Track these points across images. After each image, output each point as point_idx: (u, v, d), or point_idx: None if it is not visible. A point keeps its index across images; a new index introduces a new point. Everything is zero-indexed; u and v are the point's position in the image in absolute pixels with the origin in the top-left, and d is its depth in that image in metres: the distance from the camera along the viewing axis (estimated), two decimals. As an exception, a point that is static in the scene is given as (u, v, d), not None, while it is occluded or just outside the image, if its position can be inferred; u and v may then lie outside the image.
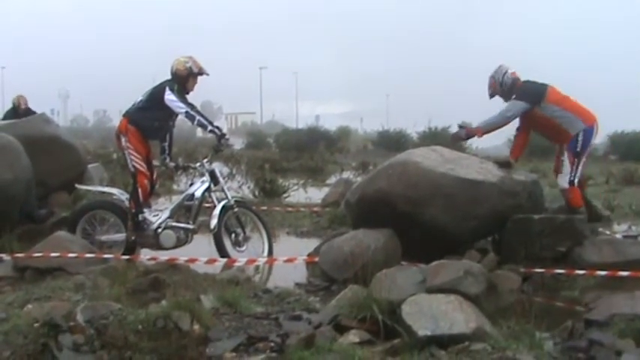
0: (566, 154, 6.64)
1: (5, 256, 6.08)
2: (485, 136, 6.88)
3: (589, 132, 6.66)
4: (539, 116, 6.67)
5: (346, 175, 18.99)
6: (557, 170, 6.79)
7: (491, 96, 6.99)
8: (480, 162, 6.78)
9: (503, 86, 6.84)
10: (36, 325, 3.45)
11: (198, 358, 3.48)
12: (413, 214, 6.09)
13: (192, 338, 3.54)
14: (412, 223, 6.05)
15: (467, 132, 6.87)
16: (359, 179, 12.48)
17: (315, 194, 13.27)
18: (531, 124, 6.90)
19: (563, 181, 6.65)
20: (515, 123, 6.93)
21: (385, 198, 6.19)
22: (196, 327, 3.60)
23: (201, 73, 6.93)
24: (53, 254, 5.79)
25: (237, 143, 32.84)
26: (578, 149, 6.62)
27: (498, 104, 6.96)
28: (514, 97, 6.71)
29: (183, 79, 6.82)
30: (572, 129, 6.62)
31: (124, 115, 6.94)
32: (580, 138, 6.61)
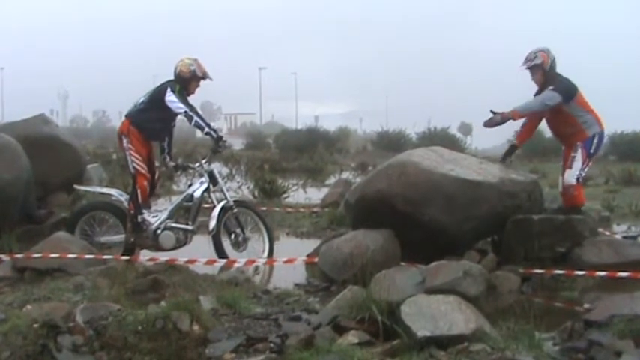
0: (579, 151, 6.68)
1: (5, 257, 6.08)
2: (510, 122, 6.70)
3: (602, 135, 6.85)
4: (564, 111, 6.68)
5: (345, 175, 19.01)
6: (567, 167, 6.78)
7: (532, 66, 6.73)
8: (480, 162, 6.78)
9: (551, 67, 6.72)
10: (35, 325, 3.45)
11: (198, 359, 3.48)
12: (412, 214, 6.08)
13: (192, 339, 3.54)
14: (411, 224, 6.05)
15: (502, 116, 6.61)
16: (358, 180, 12.50)
17: (315, 195, 13.30)
18: (551, 117, 6.88)
19: (571, 177, 6.67)
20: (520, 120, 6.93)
21: (385, 198, 6.19)
22: (196, 328, 3.59)
23: (204, 77, 6.93)
24: (53, 255, 5.79)
25: (237, 144, 32.82)
26: (592, 150, 6.73)
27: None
28: (552, 87, 6.57)
29: (186, 82, 6.83)
30: (589, 130, 6.72)
31: (126, 117, 6.94)
32: (596, 140, 6.73)
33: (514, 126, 7.03)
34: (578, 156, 6.68)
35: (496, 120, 6.70)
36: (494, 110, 6.68)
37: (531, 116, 6.94)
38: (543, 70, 6.74)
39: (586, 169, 6.78)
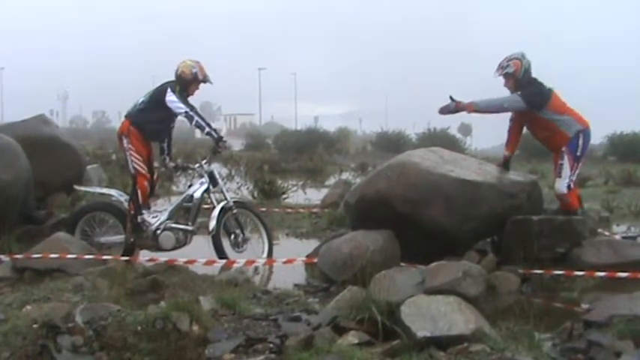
0: (566, 158, 6.55)
1: (4, 257, 6.08)
2: (473, 114, 6.65)
3: (587, 133, 6.63)
4: (539, 117, 6.59)
5: (345, 176, 19.01)
6: (557, 175, 6.68)
7: (504, 73, 6.63)
8: (479, 163, 6.79)
9: (525, 74, 6.60)
10: (35, 326, 3.44)
11: (197, 360, 3.48)
12: (412, 215, 6.09)
13: (191, 339, 3.54)
14: (411, 224, 6.06)
15: (457, 106, 6.56)
16: (358, 180, 12.50)
17: (314, 195, 13.29)
18: (528, 121, 6.80)
19: (562, 186, 6.55)
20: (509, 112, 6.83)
21: (384, 199, 6.19)
22: (195, 328, 3.59)
23: (205, 80, 6.94)
24: (52, 255, 5.79)
25: (236, 144, 32.83)
26: (579, 153, 6.57)
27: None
28: (519, 93, 6.50)
29: (187, 83, 6.84)
30: (569, 131, 6.55)
31: (126, 117, 6.95)
32: (580, 141, 6.56)
33: (508, 115, 6.95)
34: (566, 162, 6.54)
35: (450, 108, 6.63)
36: (454, 97, 6.59)
37: (513, 120, 6.86)
38: (515, 78, 6.61)
39: (576, 173, 6.61)
